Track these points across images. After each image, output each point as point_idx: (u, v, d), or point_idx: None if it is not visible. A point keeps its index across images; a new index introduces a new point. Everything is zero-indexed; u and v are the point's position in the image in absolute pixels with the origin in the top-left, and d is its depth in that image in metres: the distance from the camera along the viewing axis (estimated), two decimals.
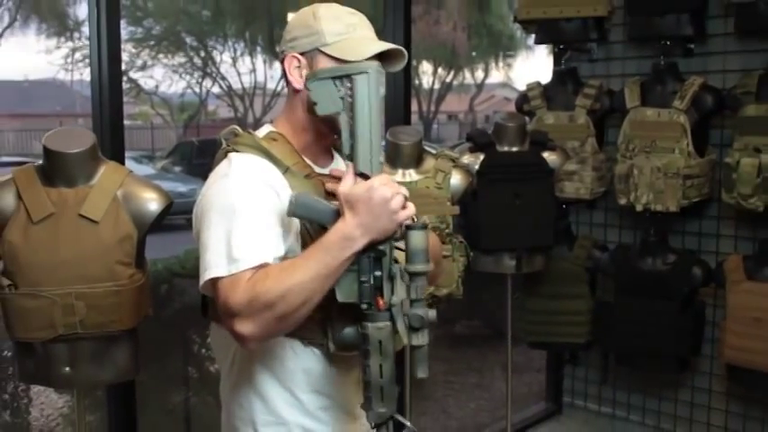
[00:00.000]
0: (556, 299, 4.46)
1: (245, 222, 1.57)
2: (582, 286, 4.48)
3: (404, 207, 1.54)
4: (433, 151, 3.39)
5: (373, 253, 1.56)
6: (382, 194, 1.51)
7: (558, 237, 4.37)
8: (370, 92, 1.53)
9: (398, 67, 1.74)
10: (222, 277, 1.55)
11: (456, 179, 3.35)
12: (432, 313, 1.53)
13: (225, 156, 1.73)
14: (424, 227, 1.54)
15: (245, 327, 1.50)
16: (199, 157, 16.40)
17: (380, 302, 1.56)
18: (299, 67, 1.73)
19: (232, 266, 1.55)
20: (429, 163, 3.35)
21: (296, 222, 1.65)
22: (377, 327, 1.56)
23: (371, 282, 1.56)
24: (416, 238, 1.52)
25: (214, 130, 19.33)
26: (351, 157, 1.57)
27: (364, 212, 1.51)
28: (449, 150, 3.46)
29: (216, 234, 1.58)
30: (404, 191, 1.56)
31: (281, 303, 1.47)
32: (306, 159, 1.77)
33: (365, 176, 1.55)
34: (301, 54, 1.73)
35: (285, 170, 1.69)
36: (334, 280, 1.53)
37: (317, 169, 1.79)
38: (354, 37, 1.68)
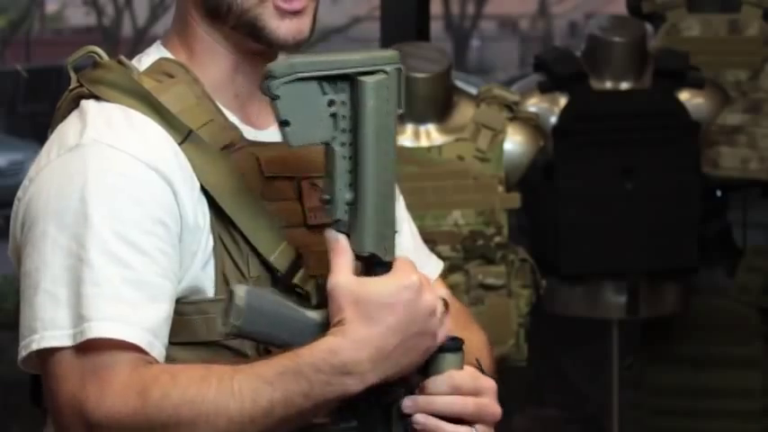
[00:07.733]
0: (704, 368, 3.66)
1: (112, 250, 1.24)
2: (754, 343, 3.69)
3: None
4: (473, 91, 3.01)
5: (383, 398, 1.26)
6: (428, 303, 1.23)
7: (708, 251, 3.64)
8: (389, 108, 1.21)
9: None
10: (61, 349, 1.21)
11: (515, 143, 2.93)
12: None
13: (75, 105, 1.33)
14: (459, 346, 1.27)
15: None
16: (29, 101, 12.21)
17: None
18: None
19: (80, 329, 1.21)
20: (464, 113, 2.93)
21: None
22: None
23: None
24: (449, 367, 1.27)
25: (58, 51, 15.94)
26: (347, 225, 1.23)
27: (390, 331, 1.22)
28: (501, 89, 2.98)
29: (53, 266, 1.24)
30: (443, 292, 1.34)
31: None
32: (225, 111, 1.36)
33: (375, 260, 1.23)
34: None
35: (185, 137, 1.32)
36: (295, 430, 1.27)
37: (248, 132, 1.36)
38: None
